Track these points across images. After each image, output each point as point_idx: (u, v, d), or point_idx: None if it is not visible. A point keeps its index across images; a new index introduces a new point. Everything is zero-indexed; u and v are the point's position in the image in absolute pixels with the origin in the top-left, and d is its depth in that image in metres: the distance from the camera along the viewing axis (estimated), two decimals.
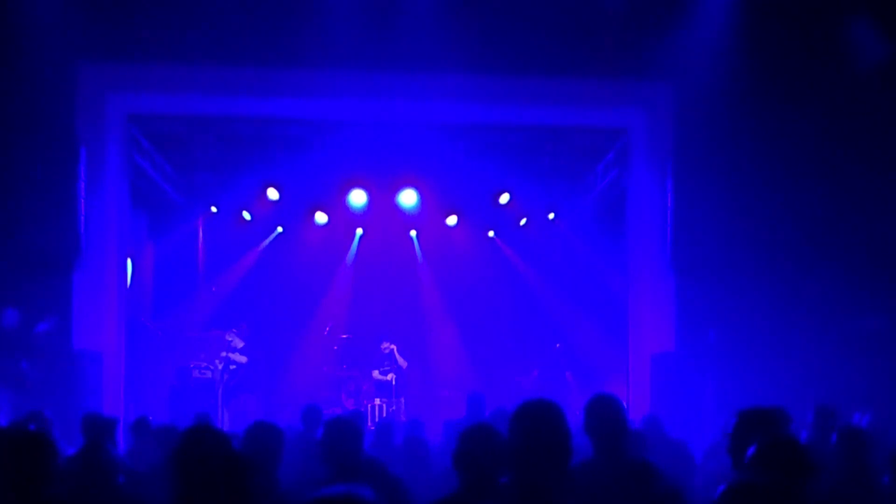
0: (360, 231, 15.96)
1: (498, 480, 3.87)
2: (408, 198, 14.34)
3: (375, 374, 13.91)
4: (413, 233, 16.13)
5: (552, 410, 3.27)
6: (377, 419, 12.78)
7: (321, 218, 15.16)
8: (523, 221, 15.66)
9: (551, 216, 15.33)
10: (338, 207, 14.81)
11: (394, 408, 13.56)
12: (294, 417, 9.93)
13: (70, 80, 10.12)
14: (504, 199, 14.26)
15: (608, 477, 4.19)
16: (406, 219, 15.23)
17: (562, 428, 3.22)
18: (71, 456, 5.68)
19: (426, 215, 15.02)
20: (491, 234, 16.25)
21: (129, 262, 11.53)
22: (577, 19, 10.33)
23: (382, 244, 15.85)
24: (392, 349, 13.94)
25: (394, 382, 13.70)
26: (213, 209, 14.77)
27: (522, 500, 3.09)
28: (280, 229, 15.78)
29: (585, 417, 4.43)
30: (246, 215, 14.98)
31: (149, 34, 9.96)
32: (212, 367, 13.21)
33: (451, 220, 15.29)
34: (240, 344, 13.25)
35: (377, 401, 13.71)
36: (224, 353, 13.12)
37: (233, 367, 13.06)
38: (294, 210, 15.02)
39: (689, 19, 10.48)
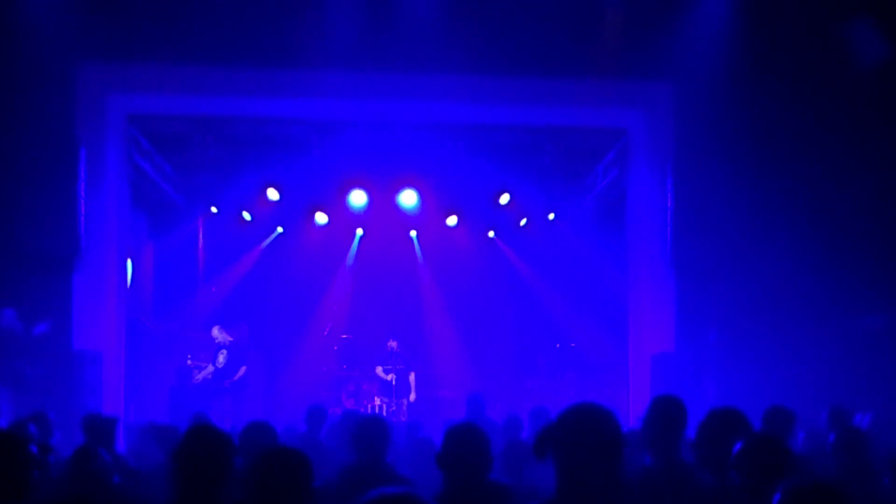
0: (360, 231, 15.94)
1: (484, 480, 3.82)
2: (408, 198, 14.33)
3: (379, 370, 13.85)
4: (413, 233, 16.12)
5: (604, 414, 2.95)
6: None
7: (321, 218, 15.15)
8: (523, 222, 15.64)
9: (551, 216, 15.31)
10: (338, 208, 14.80)
11: (394, 408, 13.54)
12: (294, 417, 9.91)
13: (70, 80, 10.11)
14: (504, 199, 14.25)
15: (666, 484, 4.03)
16: (406, 219, 15.22)
17: (615, 432, 2.92)
18: (66, 458, 5.66)
19: (426, 215, 15.01)
20: (491, 234, 16.22)
21: (129, 262, 11.51)
22: (576, 19, 10.33)
23: (382, 244, 15.83)
24: (394, 346, 13.89)
25: (394, 383, 13.68)
26: (214, 209, 14.76)
27: None
28: (280, 229, 15.76)
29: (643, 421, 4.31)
30: (246, 215, 14.96)
31: (149, 34, 9.95)
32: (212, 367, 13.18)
33: (451, 221, 15.28)
34: (227, 339, 13.14)
35: (377, 400, 13.69)
36: (219, 353, 13.03)
37: (220, 363, 12.92)
38: (294, 210, 15.01)
39: (689, 19, 10.48)
